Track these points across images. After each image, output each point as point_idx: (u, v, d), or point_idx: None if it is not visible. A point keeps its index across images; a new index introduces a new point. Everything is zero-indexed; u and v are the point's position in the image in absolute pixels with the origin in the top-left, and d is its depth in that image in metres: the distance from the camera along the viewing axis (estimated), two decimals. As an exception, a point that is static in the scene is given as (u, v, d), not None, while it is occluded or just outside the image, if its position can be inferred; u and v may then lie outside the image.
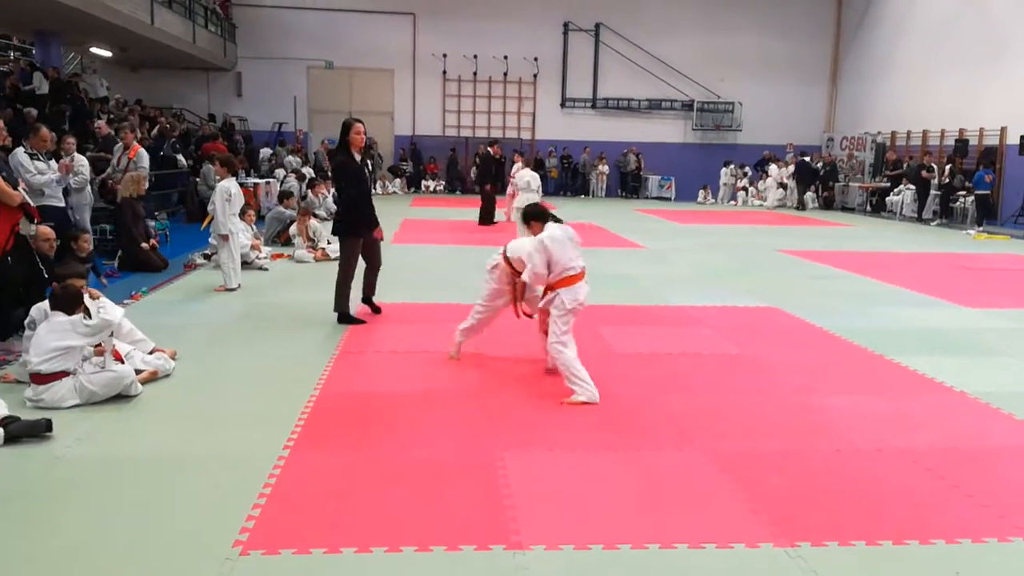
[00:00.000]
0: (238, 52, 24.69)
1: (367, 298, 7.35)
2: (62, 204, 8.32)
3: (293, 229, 11.30)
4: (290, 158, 20.34)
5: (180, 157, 16.14)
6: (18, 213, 5.98)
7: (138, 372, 5.14)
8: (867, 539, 3.38)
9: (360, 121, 6.83)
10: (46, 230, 6.53)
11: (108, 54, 20.29)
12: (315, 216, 12.44)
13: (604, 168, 25.57)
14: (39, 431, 4.21)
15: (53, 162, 8.30)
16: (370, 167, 7.09)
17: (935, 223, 18.65)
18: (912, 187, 20.05)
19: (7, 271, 5.88)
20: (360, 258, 7.11)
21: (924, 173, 19.20)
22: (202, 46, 21.36)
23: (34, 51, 18.11)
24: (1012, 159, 18.41)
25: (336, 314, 7.03)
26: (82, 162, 9.33)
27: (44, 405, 4.63)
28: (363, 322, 7.02)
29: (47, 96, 14.97)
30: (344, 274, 6.98)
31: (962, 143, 19.69)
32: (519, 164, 15.86)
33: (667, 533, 3.39)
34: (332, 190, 16.03)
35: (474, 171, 21.56)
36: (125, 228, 9.52)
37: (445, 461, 4.09)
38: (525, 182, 12.83)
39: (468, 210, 18.63)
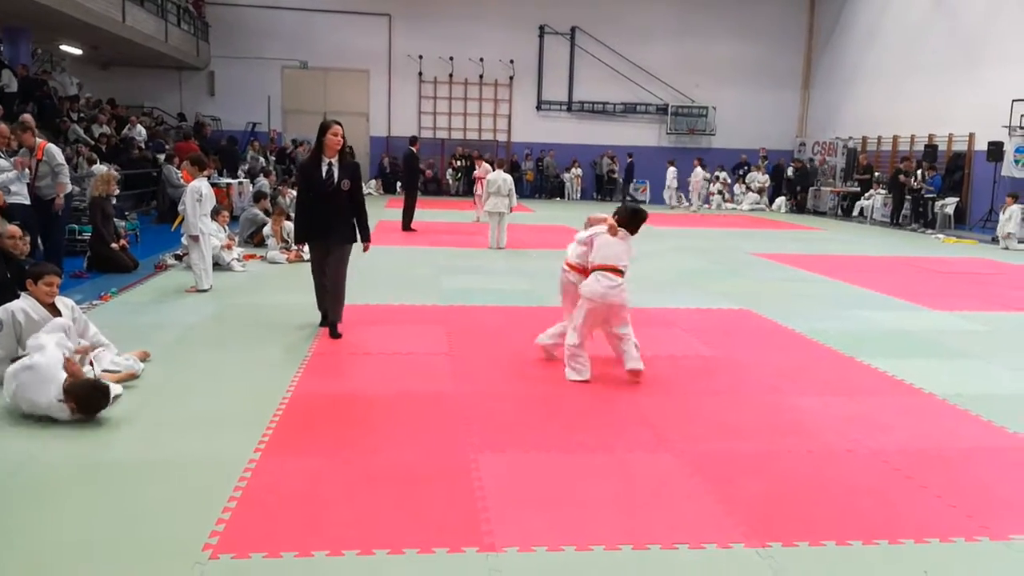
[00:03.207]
0: (211, 51, 24.45)
1: (330, 321, 6.62)
2: (28, 202, 8.16)
3: (267, 230, 11.21)
4: (262, 158, 20.13)
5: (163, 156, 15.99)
6: None
7: (108, 372, 5.07)
8: (837, 539, 3.41)
9: (338, 123, 6.38)
10: (13, 229, 6.42)
11: (78, 51, 20.02)
12: (288, 218, 12.34)
13: (578, 171, 25.67)
14: None
15: (16, 158, 8.17)
16: (336, 175, 6.31)
17: (910, 227, 18.78)
18: (883, 191, 20.30)
19: None
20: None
21: (902, 178, 19.11)
22: (174, 44, 21.14)
23: (1, 47, 17.80)
24: (980, 165, 18.72)
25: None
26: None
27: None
28: (321, 326, 6.66)
29: (16, 94, 14.72)
30: (313, 277, 6.75)
31: (931, 149, 19.98)
32: (484, 167, 15.76)
33: (640, 534, 3.39)
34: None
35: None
36: (94, 228, 9.39)
37: (418, 463, 4.07)
38: (496, 186, 12.80)
39: (444, 211, 18.63)
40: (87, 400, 4.41)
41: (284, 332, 6.68)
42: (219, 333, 6.78)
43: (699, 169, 22.82)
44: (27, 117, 9.37)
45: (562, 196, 25.75)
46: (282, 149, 22.79)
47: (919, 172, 18.98)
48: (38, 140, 8.73)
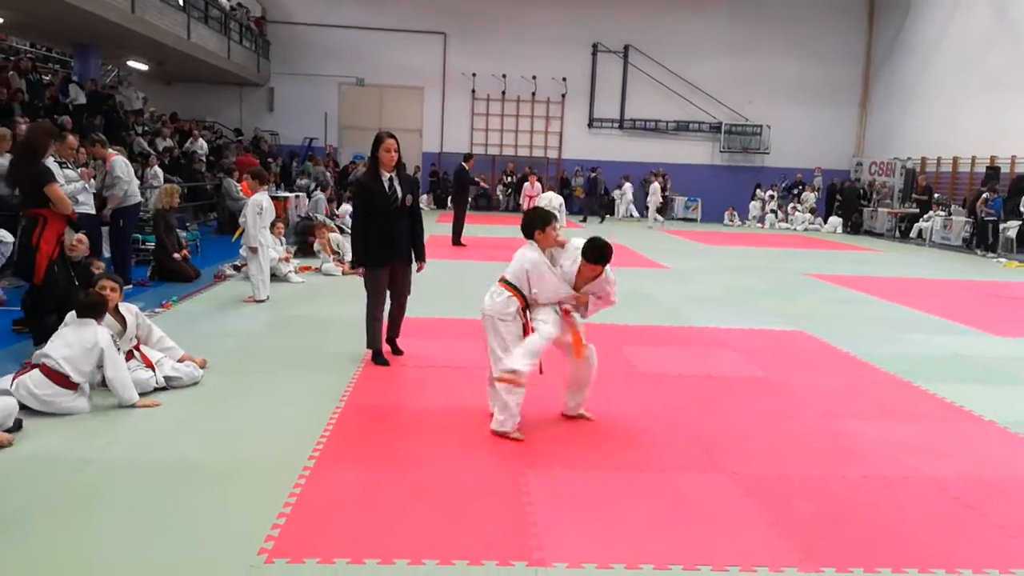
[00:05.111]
0: (271, 68, 25.08)
1: (389, 338, 6.43)
2: (93, 211, 8.47)
3: (316, 245, 11.40)
4: (319, 168, 20.52)
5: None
6: (64, 222, 6.14)
7: (168, 379, 5.23)
8: (893, 566, 3.35)
9: (393, 136, 5.97)
10: (80, 237, 6.69)
11: (144, 67, 20.70)
12: (342, 231, 12.54)
13: (628, 188, 25.59)
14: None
15: (82, 169, 8.50)
16: (399, 191, 6.00)
17: (966, 250, 18.26)
18: (942, 213, 19.80)
19: (54, 278, 6.04)
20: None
21: (979, 202, 18.02)
22: (236, 61, 21.74)
23: (72, 63, 18.50)
24: (1044, 187, 18.14)
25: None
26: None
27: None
28: (387, 363, 6.21)
29: (84, 107, 15.29)
30: (368, 307, 6.23)
31: (993, 170, 19.45)
32: (534, 184, 15.90)
33: (690, 555, 3.37)
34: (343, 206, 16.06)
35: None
36: (158, 238, 9.68)
37: (468, 476, 4.11)
38: (546, 202, 12.88)
39: (493, 227, 18.72)
40: (84, 304, 4.95)
41: (338, 342, 6.78)
42: (275, 342, 6.93)
43: (655, 184, 23.09)
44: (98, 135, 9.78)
45: (612, 214, 25.59)
46: (344, 169, 23.07)
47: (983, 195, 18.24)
48: (109, 151, 9.04)
